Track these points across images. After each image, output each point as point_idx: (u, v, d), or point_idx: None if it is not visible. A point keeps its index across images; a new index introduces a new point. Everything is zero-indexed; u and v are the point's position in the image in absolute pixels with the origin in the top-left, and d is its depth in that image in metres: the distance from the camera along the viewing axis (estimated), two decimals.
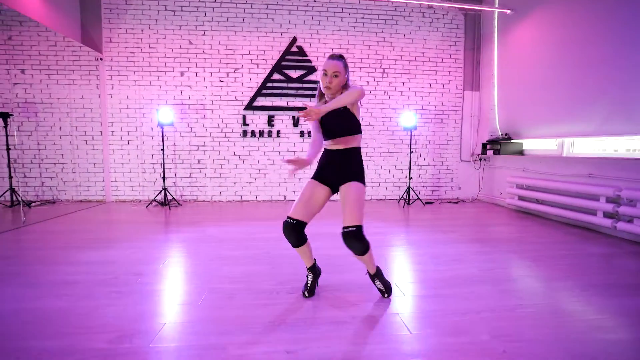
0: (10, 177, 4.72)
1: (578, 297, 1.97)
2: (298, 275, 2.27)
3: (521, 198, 4.63)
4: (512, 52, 5.05)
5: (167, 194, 4.93)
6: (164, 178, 4.88)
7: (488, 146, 5.23)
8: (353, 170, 1.87)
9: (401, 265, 2.54)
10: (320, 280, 2.18)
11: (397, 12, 5.48)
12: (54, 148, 5.22)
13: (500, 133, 5.33)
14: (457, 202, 5.46)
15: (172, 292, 2.05)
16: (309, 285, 1.99)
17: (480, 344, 1.48)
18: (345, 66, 1.85)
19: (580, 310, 1.81)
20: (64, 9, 4.76)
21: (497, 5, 5.20)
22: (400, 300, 1.93)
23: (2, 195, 4.79)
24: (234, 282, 2.16)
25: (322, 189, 1.88)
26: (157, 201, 4.98)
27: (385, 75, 5.54)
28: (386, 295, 1.95)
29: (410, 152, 5.13)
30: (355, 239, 1.70)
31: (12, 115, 4.71)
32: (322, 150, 1.96)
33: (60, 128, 5.21)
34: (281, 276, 2.27)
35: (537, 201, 4.34)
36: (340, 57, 1.84)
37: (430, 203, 5.33)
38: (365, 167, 5.58)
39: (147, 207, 4.85)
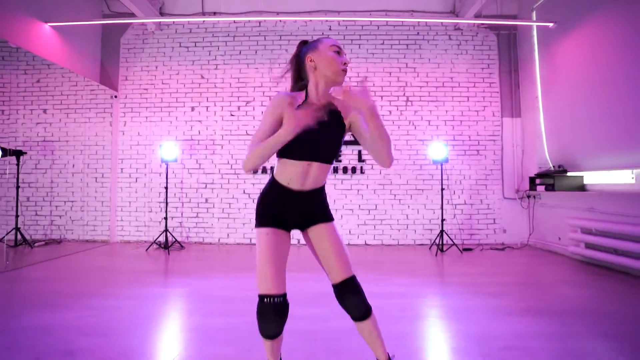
0: (17, 216, 4.59)
1: None
2: None
3: (590, 246, 3.65)
4: (558, 72, 4.32)
5: (169, 235, 4.53)
6: (165, 218, 4.51)
7: (538, 181, 4.36)
8: (325, 206, 1.37)
9: (435, 354, 1.79)
10: None
11: (420, 35, 5.03)
12: (65, 186, 5.13)
13: (551, 165, 4.46)
14: (502, 249, 4.52)
15: None
16: None
17: None
18: None
19: None
20: (87, 51, 4.87)
21: (534, 19, 4.59)
22: None
23: (7, 234, 4.66)
24: None
25: (287, 237, 1.33)
26: (158, 244, 4.59)
27: (409, 103, 4.99)
28: None
29: (442, 189, 4.38)
30: (355, 293, 1.27)
31: (24, 153, 4.70)
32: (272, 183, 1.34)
33: (73, 165, 5.14)
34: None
35: (615, 251, 3.35)
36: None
37: (470, 250, 4.44)
38: (389, 206, 4.92)
39: (147, 250, 4.47)
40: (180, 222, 4.98)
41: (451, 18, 4.95)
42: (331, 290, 1.31)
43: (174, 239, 4.65)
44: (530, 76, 4.77)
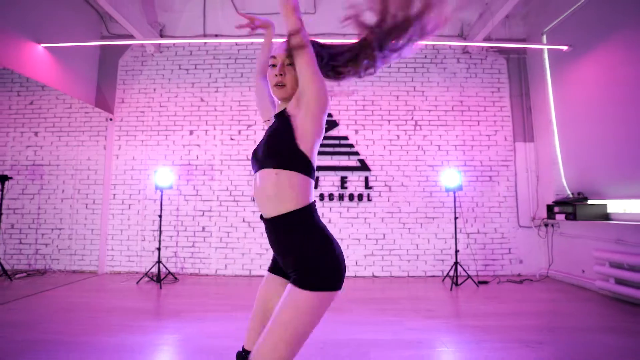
0: None
1: None
2: None
3: (620, 282, 3.35)
4: (572, 95, 4.16)
5: (162, 267, 4.20)
6: (159, 249, 4.19)
7: (556, 209, 4.11)
8: (304, 256, 1.04)
9: None
10: None
11: (428, 59, 4.91)
12: (53, 212, 4.82)
13: (569, 192, 4.23)
14: (520, 282, 4.20)
15: None
16: None
17: None
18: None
19: None
20: (83, 73, 4.70)
21: (545, 42, 4.48)
22: None
23: None
24: None
25: (272, 284, 1.19)
26: (150, 276, 4.24)
27: (418, 128, 4.79)
28: None
29: (455, 218, 4.11)
30: None
31: (10, 178, 4.42)
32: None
33: (63, 191, 4.85)
34: None
35: None
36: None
37: (485, 283, 4.12)
38: (398, 236, 4.62)
39: (137, 283, 4.12)
40: (175, 252, 4.65)
41: (459, 40, 4.85)
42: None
43: (167, 271, 4.31)
44: (542, 100, 4.61)
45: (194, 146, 4.81)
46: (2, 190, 4.29)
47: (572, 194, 4.16)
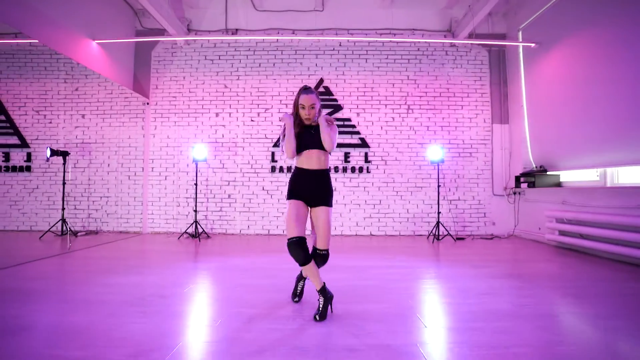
0: (63, 209, 5.19)
1: (627, 337, 1.74)
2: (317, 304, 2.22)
3: (562, 233, 4.29)
4: (541, 85, 4.97)
5: (198, 226, 5.13)
6: (195, 211, 5.11)
7: (522, 179, 5.00)
8: (328, 193, 2.14)
9: (426, 298, 2.40)
10: (339, 309, 2.12)
11: (420, 51, 5.68)
12: (101, 183, 5.72)
13: (534, 165, 5.10)
14: (491, 239, 5.15)
15: (193, 313, 2.08)
16: (320, 309, 1.99)
17: None
18: (317, 97, 2.14)
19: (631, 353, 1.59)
20: (122, 62, 5.47)
21: (520, 40, 5.25)
22: (421, 331, 1.82)
23: (54, 225, 5.24)
24: (254, 307, 2.15)
25: (301, 205, 2.11)
26: (188, 233, 5.18)
27: (410, 111, 5.63)
28: (318, 318, 1.96)
29: (439, 186, 5.02)
30: (325, 261, 2.10)
31: (69, 153, 5.30)
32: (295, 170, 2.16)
33: (109, 165, 5.73)
34: (301, 304, 2.23)
35: (581, 236, 3.99)
36: (312, 90, 2.13)
37: (462, 239, 5.07)
38: (392, 202, 5.55)
39: (179, 238, 5.06)
40: (205, 215, 5.58)
41: (448, 36, 5.61)
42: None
43: (202, 230, 5.24)
44: (516, 88, 5.43)
45: (219, 126, 5.65)
46: (65, 164, 5.17)
47: (536, 167, 5.04)
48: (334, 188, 2.18)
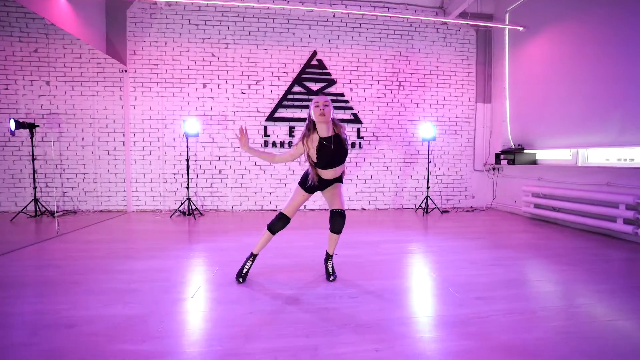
0: (35, 187, 4.76)
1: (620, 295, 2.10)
2: (365, 280, 2.36)
3: (537, 206, 4.79)
4: (523, 67, 5.27)
5: (191, 203, 4.98)
6: (187, 188, 4.94)
7: (502, 156, 5.41)
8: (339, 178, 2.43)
9: (446, 272, 2.64)
10: (366, 284, 2.27)
11: (413, 27, 5.69)
12: (75, 158, 5.26)
13: (512, 144, 5.52)
14: (472, 211, 5.60)
15: (237, 301, 2.12)
16: (332, 270, 2.46)
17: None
18: (330, 102, 2.23)
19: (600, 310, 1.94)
20: (91, 22, 4.86)
21: (507, 23, 5.45)
22: (455, 300, 2.03)
23: (27, 205, 4.80)
24: (294, 289, 2.24)
25: (305, 197, 2.39)
26: (180, 211, 5.03)
27: (401, 88, 5.72)
28: (332, 278, 2.39)
29: (429, 162, 5.28)
30: (343, 218, 2.29)
31: (37, 125, 4.76)
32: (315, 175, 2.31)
33: (83, 139, 5.26)
34: (344, 280, 2.36)
35: (554, 209, 4.50)
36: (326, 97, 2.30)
37: (447, 212, 5.46)
38: (382, 177, 5.76)
39: (171, 217, 4.90)
40: (195, 192, 5.41)
41: (439, 13, 5.65)
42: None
43: (194, 207, 5.11)
44: (500, 69, 5.70)
45: (207, 98, 5.36)
46: (32, 138, 4.66)
47: (514, 145, 5.46)
48: None
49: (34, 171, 4.75)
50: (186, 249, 3.22)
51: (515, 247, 3.35)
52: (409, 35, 5.69)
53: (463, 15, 5.49)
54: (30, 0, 3.81)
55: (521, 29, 5.02)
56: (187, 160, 4.95)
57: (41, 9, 3.94)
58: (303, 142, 2.24)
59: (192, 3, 5.23)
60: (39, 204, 4.79)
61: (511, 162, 5.18)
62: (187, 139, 4.92)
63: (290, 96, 5.47)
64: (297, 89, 5.48)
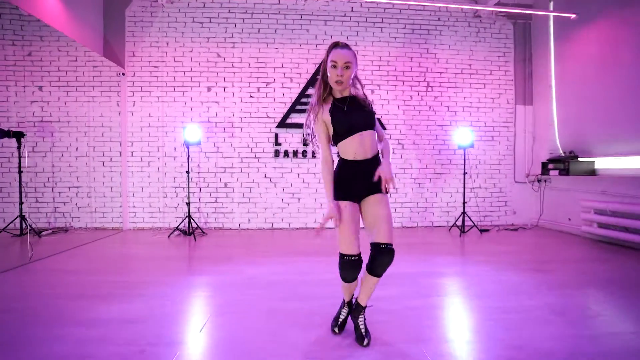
0: (21, 203, 4.25)
1: None
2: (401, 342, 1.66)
3: (602, 225, 3.97)
4: (573, 61, 4.53)
5: (192, 221, 4.38)
6: (188, 204, 4.36)
7: (550, 166, 4.63)
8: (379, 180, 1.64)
9: (531, 330, 1.91)
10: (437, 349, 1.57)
11: (441, 21, 5.05)
12: (69, 170, 4.77)
13: (561, 151, 4.74)
14: (515, 230, 4.80)
15: None
16: (340, 320, 1.81)
17: None
18: (355, 56, 1.63)
19: None
20: (88, 22, 4.43)
21: (552, 9, 4.74)
22: None
23: (11, 223, 4.31)
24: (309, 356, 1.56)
25: (356, 208, 1.68)
26: (180, 230, 4.44)
27: (429, 89, 5.05)
28: (366, 342, 1.65)
29: (465, 173, 4.55)
30: (390, 257, 1.60)
31: (25, 135, 4.30)
32: (339, 161, 1.71)
33: (77, 149, 4.78)
34: (383, 344, 1.66)
35: (627, 230, 3.68)
36: (348, 46, 1.64)
37: (487, 231, 4.68)
38: (410, 190, 5.05)
39: (169, 236, 4.31)
40: (198, 208, 4.83)
41: (471, 4, 4.99)
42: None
43: (196, 225, 4.51)
44: (544, 65, 4.96)
45: (212, 103, 4.81)
46: (20, 148, 4.19)
47: (564, 152, 4.67)
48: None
49: (20, 185, 4.26)
50: (175, 285, 2.59)
51: (601, 283, 2.57)
52: (437, 30, 5.04)
53: (498, 6, 4.82)
54: (23, 0, 3.41)
55: (572, 16, 4.30)
56: (188, 172, 4.38)
57: (34, 9, 3.53)
58: (317, 119, 1.67)
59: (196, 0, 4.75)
60: (25, 222, 4.29)
61: (563, 172, 4.39)
62: (188, 148, 4.36)
63: (304, 99, 4.87)
64: (312, 91, 4.87)
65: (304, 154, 4.85)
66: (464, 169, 4.57)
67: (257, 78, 4.85)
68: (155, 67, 4.77)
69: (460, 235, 4.38)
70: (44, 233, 4.41)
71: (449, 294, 2.40)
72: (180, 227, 4.49)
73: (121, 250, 3.69)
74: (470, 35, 5.10)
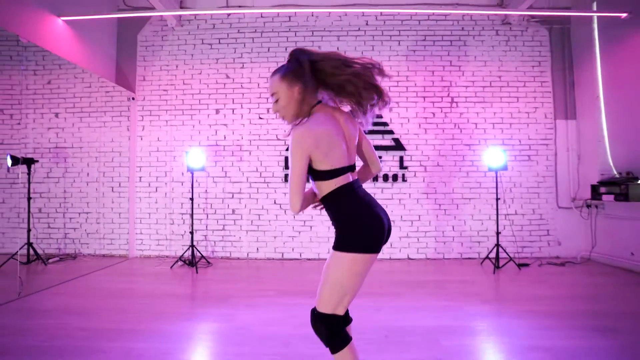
0: (29, 230, 4.22)
1: None
2: None
3: None
4: (624, 67, 3.91)
5: (195, 251, 4.13)
6: (191, 232, 4.12)
7: (602, 189, 3.95)
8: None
9: None
10: None
11: (465, 31, 4.61)
12: (79, 196, 4.73)
13: (615, 172, 4.05)
14: (562, 265, 4.10)
15: None
16: None
17: None
18: (283, 80, 1.24)
19: None
20: (101, 50, 4.47)
21: (595, 9, 4.16)
22: None
23: (18, 251, 4.27)
24: None
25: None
26: (183, 260, 4.19)
27: (454, 105, 4.57)
28: None
29: (497, 199, 3.98)
30: (313, 323, 1.28)
31: (36, 161, 4.31)
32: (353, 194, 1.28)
33: (88, 174, 4.74)
34: None
35: None
36: (277, 71, 1.27)
37: (526, 265, 4.03)
38: (434, 217, 4.51)
39: (171, 267, 4.07)
40: (205, 236, 4.58)
41: (498, 10, 4.53)
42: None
43: (200, 255, 4.24)
44: (588, 74, 4.35)
45: (220, 126, 4.63)
46: (29, 174, 4.18)
47: (620, 173, 3.98)
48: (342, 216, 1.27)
49: (29, 211, 4.23)
50: (149, 337, 2.27)
51: None
52: (460, 40, 4.60)
53: (531, 10, 4.32)
54: (39, 36, 3.51)
55: (624, 15, 3.71)
56: (192, 199, 4.16)
57: (52, 45, 3.65)
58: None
59: (205, 21, 4.67)
60: (32, 249, 4.23)
61: (620, 197, 3.71)
62: (192, 174, 4.15)
63: None
64: None
65: None
66: (496, 193, 3.99)
67: (267, 99, 4.63)
68: (164, 90, 4.69)
69: (494, 272, 3.77)
70: (50, 260, 4.33)
71: None
72: (184, 256, 4.25)
73: (116, 284, 3.47)
74: (499, 45, 4.61)
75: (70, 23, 3.90)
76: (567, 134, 4.57)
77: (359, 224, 1.22)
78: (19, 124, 4.86)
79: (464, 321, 2.45)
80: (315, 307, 1.27)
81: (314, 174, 1.25)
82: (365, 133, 1.44)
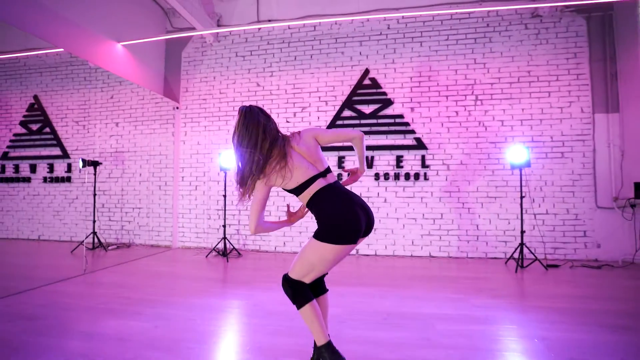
0: (94, 221, 4.96)
1: None
2: None
3: None
4: None
5: (227, 243, 4.55)
6: (224, 226, 4.55)
7: None
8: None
9: None
10: None
11: (490, 27, 4.54)
12: (133, 193, 5.44)
13: None
14: (599, 267, 3.84)
15: None
16: None
17: None
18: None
19: None
20: (152, 67, 5.14)
21: None
22: None
23: (85, 238, 5.04)
24: None
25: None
26: (217, 251, 4.63)
27: (479, 102, 4.51)
28: None
29: (522, 197, 3.86)
30: (283, 283, 1.57)
31: (100, 163, 5.07)
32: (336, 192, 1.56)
33: (140, 174, 5.44)
34: None
35: None
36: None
37: (556, 266, 3.84)
38: (457, 216, 4.48)
39: (206, 256, 4.53)
40: (237, 230, 5.01)
41: (529, 3, 4.39)
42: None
43: (232, 247, 4.66)
44: (633, 63, 4.05)
45: None
46: (95, 175, 4.94)
47: None
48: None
49: (95, 206, 4.99)
50: (178, 306, 2.64)
51: None
52: (485, 37, 4.54)
53: (565, 0, 4.14)
54: (104, 60, 4.22)
55: None
56: (225, 196, 4.60)
57: (112, 66, 4.36)
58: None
59: (239, 35, 5.15)
60: (97, 237, 4.98)
61: None
62: (225, 173, 4.60)
63: (339, 122, 4.79)
64: (347, 113, 4.79)
65: (339, 176, 4.71)
66: (521, 191, 3.87)
67: (294, 103, 4.96)
68: (203, 99, 5.25)
69: (516, 271, 3.66)
70: (110, 248, 5.05)
71: (461, 348, 1.95)
72: (218, 247, 4.70)
73: (159, 267, 3.98)
74: (527, 39, 4.46)
75: (127, 46, 4.58)
76: (608, 128, 4.26)
77: (332, 221, 1.47)
78: (88, 132, 5.74)
79: (465, 311, 2.49)
80: (287, 273, 1.55)
81: (291, 192, 1.56)
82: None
